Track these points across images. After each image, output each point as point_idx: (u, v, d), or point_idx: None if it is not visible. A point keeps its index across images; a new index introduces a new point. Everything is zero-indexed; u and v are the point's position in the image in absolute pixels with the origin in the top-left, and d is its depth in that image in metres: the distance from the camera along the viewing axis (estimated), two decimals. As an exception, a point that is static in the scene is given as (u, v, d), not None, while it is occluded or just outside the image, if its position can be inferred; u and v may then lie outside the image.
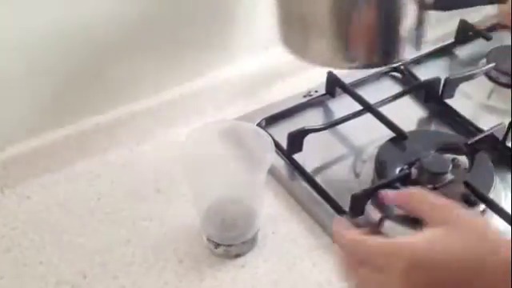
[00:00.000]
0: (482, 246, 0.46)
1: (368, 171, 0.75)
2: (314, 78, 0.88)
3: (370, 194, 0.68)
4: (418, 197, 0.53)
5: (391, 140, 0.75)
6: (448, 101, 0.83)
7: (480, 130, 0.78)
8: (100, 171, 0.76)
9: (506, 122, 0.76)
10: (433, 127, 0.83)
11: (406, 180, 0.70)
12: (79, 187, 0.75)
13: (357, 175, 0.75)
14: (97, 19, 0.70)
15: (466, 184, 0.68)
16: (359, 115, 0.79)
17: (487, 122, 0.80)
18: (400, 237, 0.49)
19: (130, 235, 0.69)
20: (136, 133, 0.80)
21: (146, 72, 0.78)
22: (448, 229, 0.47)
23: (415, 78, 0.88)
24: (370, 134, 0.80)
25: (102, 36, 0.72)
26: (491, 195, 0.69)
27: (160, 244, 0.68)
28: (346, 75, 0.86)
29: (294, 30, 0.69)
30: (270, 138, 0.65)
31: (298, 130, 0.75)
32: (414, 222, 0.67)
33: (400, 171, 0.71)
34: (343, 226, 0.53)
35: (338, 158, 0.78)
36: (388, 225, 0.70)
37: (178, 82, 0.81)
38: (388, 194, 0.57)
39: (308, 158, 0.77)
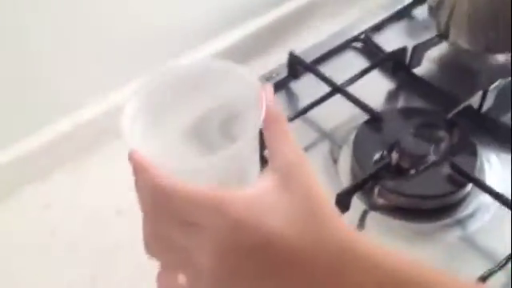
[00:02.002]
0: (316, 221, 0.35)
1: (345, 156, 0.71)
2: (270, 61, 0.83)
3: (356, 189, 0.64)
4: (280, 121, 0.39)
5: (366, 123, 0.71)
6: (416, 70, 0.79)
7: (452, 97, 0.74)
8: (49, 197, 0.68)
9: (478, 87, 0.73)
10: (404, 99, 0.79)
11: (388, 167, 0.66)
12: (27, 220, 0.67)
13: (335, 161, 0.71)
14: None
15: (452, 165, 0.65)
16: (328, 98, 0.74)
17: (457, 86, 0.77)
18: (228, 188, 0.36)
19: (96, 270, 0.62)
20: (81, 147, 0.72)
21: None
22: (280, 184, 0.36)
23: (377, 47, 0.83)
24: (340, 116, 0.76)
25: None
26: (476, 172, 0.66)
27: (132, 277, 0.61)
28: (306, 53, 0.81)
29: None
30: (258, 82, 0.40)
31: (268, 125, 0.69)
32: (400, 212, 0.66)
33: (380, 157, 0.67)
34: (148, 163, 0.36)
35: (312, 146, 0.73)
36: (373, 216, 0.66)
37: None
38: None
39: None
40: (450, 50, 0.82)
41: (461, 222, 0.65)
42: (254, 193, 0.35)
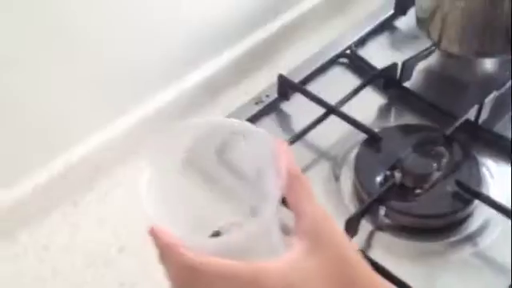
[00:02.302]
0: (349, 280, 0.36)
1: (347, 176, 0.70)
2: (259, 82, 0.81)
3: (363, 213, 0.63)
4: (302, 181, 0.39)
5: (365, 143, 0.70)
6: (407, 83, 0.79)
7: (446, 111, 0.74)
8: (47, 239, 0.66)
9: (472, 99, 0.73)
10: (397, 115, 0.78)
11: (392, 188, 0.65)
12: (27, 265, 0.64)
13: (336, 179, 0.70)
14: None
15: (458, 183, 0.64)
16: (323, 119, 0.73)
17: (449, 98, 0.77)
18: (257, 259, 0.36)
19: None
20: (78, 184, 0.69)
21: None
22: (312, 248, 0.36)
23: (364, 61, 0.82)
24: (336, 134, 0.74)
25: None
26: (482, 187, 0.66)
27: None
28: (294, 73, 0.80)
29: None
30: (272, 143, 0.39)
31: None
32: (407, 231, 0.65)
33: (383, 178, 0.67)
34: (172, 238, 0.36)
35: (311, 167, 0.72)
36: (380, 237, 0.65)
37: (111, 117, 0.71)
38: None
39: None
40: (440, 61, 0.82)
41: (471, 238, 0.64)
42: (288, 262, 0.35)
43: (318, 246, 0.36)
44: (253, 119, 0.76)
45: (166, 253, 0.37)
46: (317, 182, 0.70)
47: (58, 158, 0.67)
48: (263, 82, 0.81)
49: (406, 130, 0.72)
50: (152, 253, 0.63)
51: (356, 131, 0.72)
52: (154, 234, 0.37)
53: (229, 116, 0.76)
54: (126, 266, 0.64)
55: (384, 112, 0.78)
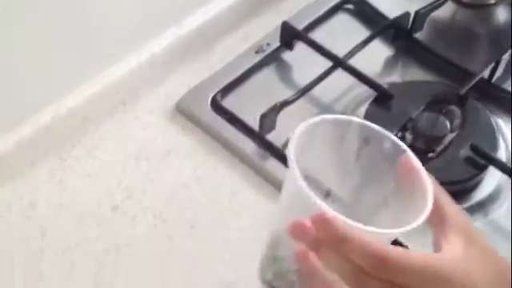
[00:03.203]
0: (499, 270, 0.41)
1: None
2: (259, 26, 0.76)
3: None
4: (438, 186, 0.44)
5: (375, 100, 0.66)
6: (417, 35, 0.74)
7: (458, 66, 0.70)
8: (33, 196, 0.61)
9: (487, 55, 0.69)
10: (406, 69, 0.73)
11: (404, 150, 0.61)
12: (12, 223, 0.59)
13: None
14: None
15: (472, 147, 0.61)
16: (330, 73, 0.68)
17: (461, 51, 0.73)
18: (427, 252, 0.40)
19: (96, 277, 0.56)
20: (65, 138, 0.64)
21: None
22: (467, 242, 0.40)
23: (371, 8, 0.77)
24: (341, 89, 0.70)
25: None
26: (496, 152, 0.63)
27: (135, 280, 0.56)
28: (297, 19, 0.75)
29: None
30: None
31: (271, 108, 0.63)
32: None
33: (394, 139, 0.63)
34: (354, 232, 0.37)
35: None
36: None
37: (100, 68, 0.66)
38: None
39: (281, 133, 0.66)
40: (452, 11, 0.77)
41: (482, 206, 0.61)
42: (458, 256, 0.39)
43: (470, 244, 0.40)
44: (252, 70, 0.71)
45: (343, 243, 0.36)
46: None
47: (43, 111, 0.62)
48: (263, 28, 0.75)
49: (417, 86, 0.68)
50: (148, 212, 0.61)
51: (360, 85, 0.68)
52: (328, 223, 0.36)
53: (227, 66, 0.71)
54: (121, 226, 0.60)
55: (391, 65, 0.74)
